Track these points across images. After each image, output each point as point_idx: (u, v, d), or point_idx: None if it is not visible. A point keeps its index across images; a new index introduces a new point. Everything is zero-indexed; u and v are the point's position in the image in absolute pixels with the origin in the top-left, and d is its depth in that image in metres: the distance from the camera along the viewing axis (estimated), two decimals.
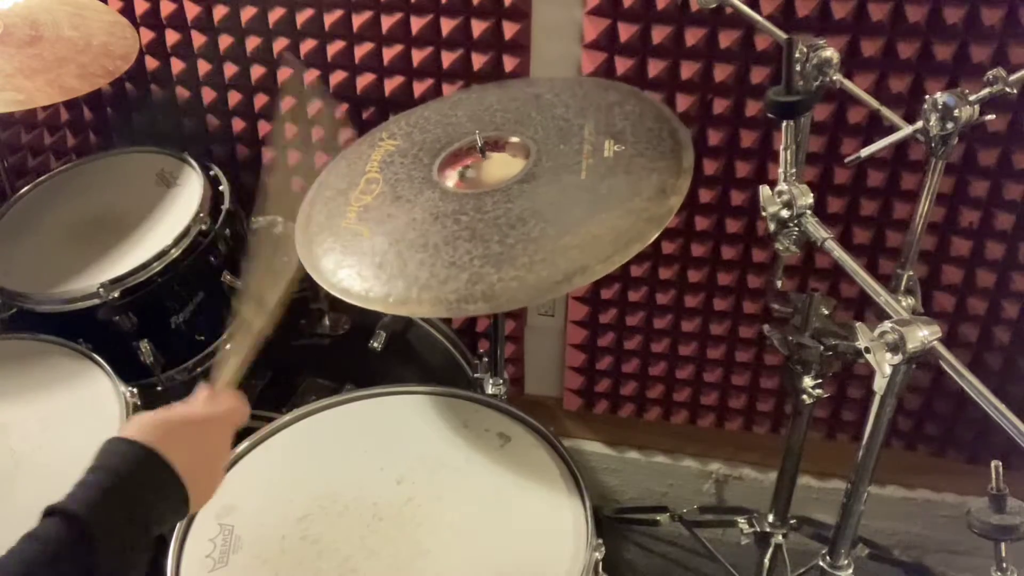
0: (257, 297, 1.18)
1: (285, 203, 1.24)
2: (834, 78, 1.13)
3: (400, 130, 1.40)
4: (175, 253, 1.53)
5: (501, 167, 1.27)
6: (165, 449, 0.89)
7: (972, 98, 1.05)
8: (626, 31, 1.56)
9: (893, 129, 1.14)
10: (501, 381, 1.54)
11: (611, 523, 2.00)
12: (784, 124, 1.05)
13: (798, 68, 1.10)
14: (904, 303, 1.07)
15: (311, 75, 1.74)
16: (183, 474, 0.90)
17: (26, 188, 1.73)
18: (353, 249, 1.20)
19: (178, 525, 1.17)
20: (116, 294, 1.47)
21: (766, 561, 1.62)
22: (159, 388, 1.59)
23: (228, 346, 1.14)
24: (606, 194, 1.15)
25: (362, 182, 1.31)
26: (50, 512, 0.82)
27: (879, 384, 0.91)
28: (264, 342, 1.15)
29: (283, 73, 1.79)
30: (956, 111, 1.05)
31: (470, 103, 1.43)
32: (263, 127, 1.88)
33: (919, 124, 1.09)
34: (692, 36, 1.54)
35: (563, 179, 1.19)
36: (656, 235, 1.09)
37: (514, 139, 1.30)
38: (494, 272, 1.09)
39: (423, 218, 1.20)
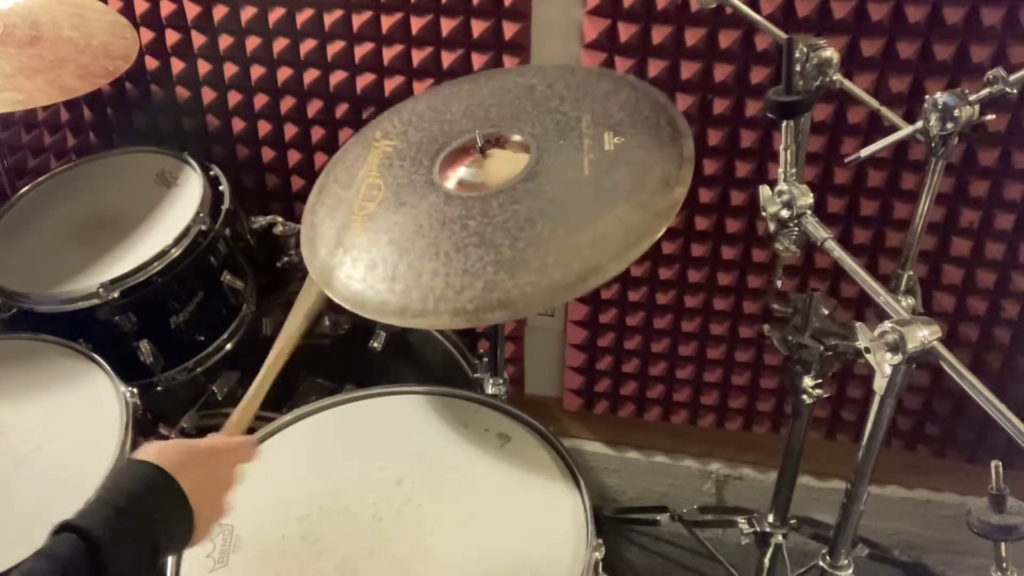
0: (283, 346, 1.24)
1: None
2: (834, 78, 1.13)
3: (395, 128, 1.38)
4: (175, 253, 1.53)
5: (503, 166, 1.26)
6: (178, 474, 0.91)
7: (972, 98, 1.05)
8: (626, 31, 1.56)
9: (893, 129, 1.14)
10: (501, 381, 1.54)
11: (611, 523, 2.00)
12: (784, 124, 1.05)
13: (798, 68, 1.10)
14: (904, 303, 1.07)
15: None
16: (192, 501, 0.91)
17: (26, 188, 1.73)
18: (363, 261, 1.18)
19: None
20: (116, 294, 1.47)
21: (766, 561, 1.62)
22: (159, 388, 1.59)
23: (246, 395, 1.20)
24: (611, 189, 1.14)
25: (363, 188, 1.29)
26: (62, 528, 0.83)
27: (879, 384, 0.91)
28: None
29: None
30: (956, 111, 1.05)
31: (462, 97, 1.40)
32: (263, 127, 1.88)
33: (919, 124, 1.09)
34: (692, 36, 1.54)
35: (566, 176, 1.18)
36: (665, 228, 1.08)
37: (516, 138, 1.29)
38: (509, 278, 1.07)
39: (430, 224, 1.18)
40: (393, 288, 1.13)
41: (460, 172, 1.27)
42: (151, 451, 0.93)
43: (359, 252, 1.20)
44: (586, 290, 1.07)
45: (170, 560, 1.13)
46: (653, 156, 1.16)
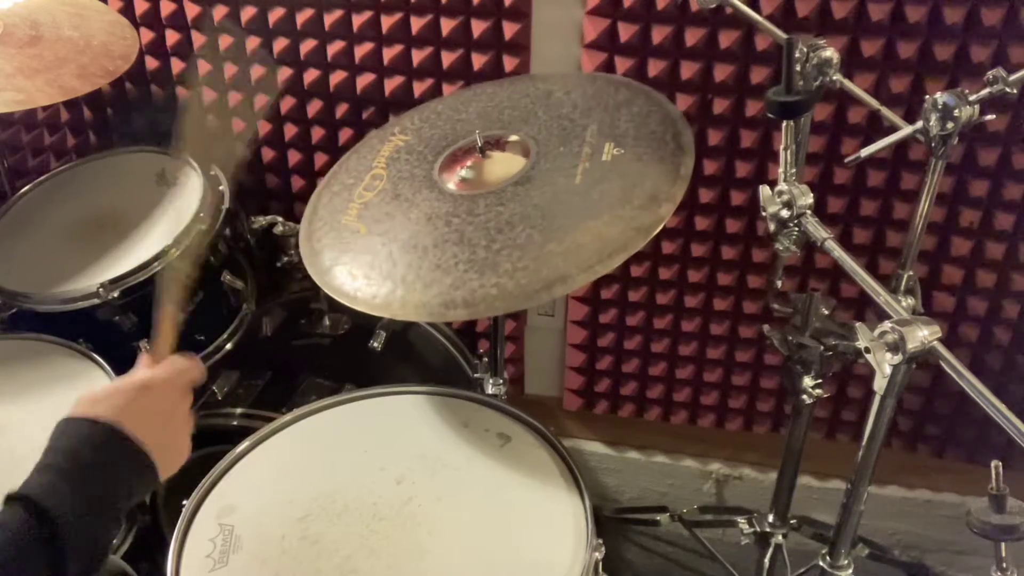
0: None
1: (201, 145, 1.16)
2: (834, 78, 1.13)
3: (412, 125, 1.41)
4: (175, 253, 1.53)
5: (500, 168, 1.26)
6: (122, 420, 0.88)
7: (972, 98, 1.05)
8: (626, 31, 1.56)
9: (893, 129, 1.14)
10: (501, 381, 1.54)
11: (611, 523, 2.00)
12: (784, 124, 1.05)
13: (798, 68, 1.10)
14: (904, 303, 1.08)
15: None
16: (145, 443, 0.88)
17: (26, 188, 1.73)
18: (349, 247, 1.20)
19: (178, 525, 1.17)
20: (116, 294, 1.47)
21: (766, 561, 1.62)
22: None
23: (160, 310, 1.13)
24: (597, 200, 1.14)
25: (368, 178, 1.31)
26: (11, 498, 0.81)
27: (879, 384, 0.91)
28: (189, 291, 1.14)
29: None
30: (956, 111, 1.05)
31: (482, 99, 1.42)
32: (263, 127, 1.88)
33: (919, 124, 1.09)
34: (692, 36, 1.54)
35: (557, 183, 1.19)
36: (642, 246, 1.08)
37: (513, 138, 1.30)
38: (476, 278, 1.08)
39: (417, 218, 1.20)
40: (369, 276, 1.14)
41: (458, 171, 1.28)
42: (85, 404, 0.89)
43: (347, 237, 1.22)
44: (550, 297, 1.07)
45: (170, 560, 1.13)
46: (648, 170, 1.16)
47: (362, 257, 1.18)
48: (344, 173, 1.36)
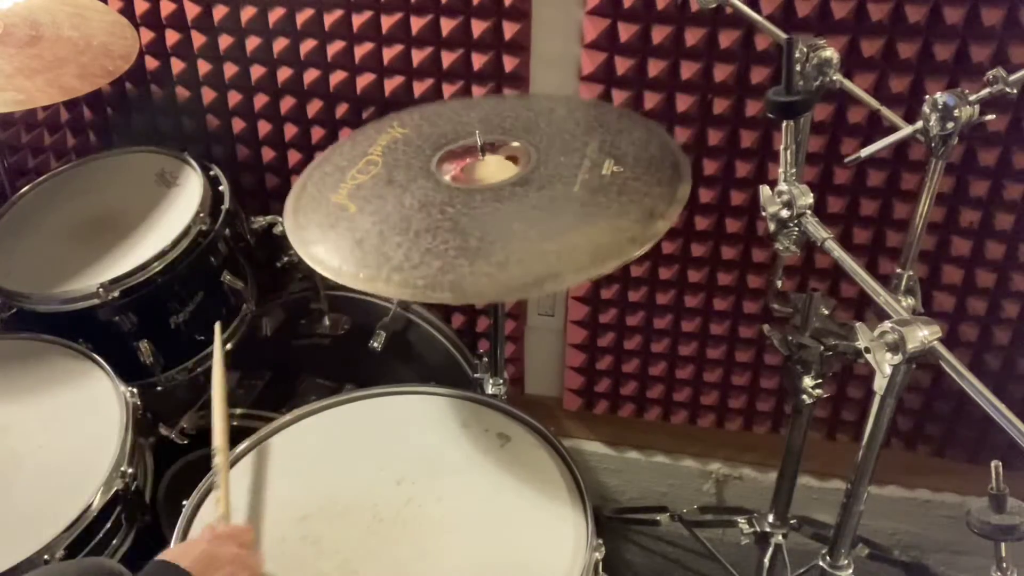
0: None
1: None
2: (834, 78, 1.13)
3: (412, 120, 1.42)
4: (175, 253, 1.53)
5: (499, 169, 1.27)
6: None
7: (972, 98, 1.05)
8: (626, 31, 1.56)
9: (893, 129, 1.14)
10: (501, 381, 1.54)
11: (611, 523, 2.00)
12: (784, 124, 1.05)
13: (798, 68, 1.10)
14: (904, 303, 1.08)
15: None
16: None
17: (26, 188, 1.73)
18: (337, 223, 1.21)
19: (178, 525, 1.17)
20: (116, 294, 1.47)
21: (766, 561, 1.62)
22: (159, 388, 1.59)
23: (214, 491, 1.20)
24: (595, 209, 1.16)
25: (362, 162, 1.32)
26: None
27: (879, 384, 0.91)
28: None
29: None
30: (956, 111, 1.05)
31: (486, 107, 1.45)
32: (263, 127, 1.88)
33: (919, 124, 1.09)
34: (692, 36, 1.54)
35: (556, 188, 1.20)
36: (636, 256, 1.09)
37: (515, 144, 1.30)
38: (467, 264, 1.09)
39: (411, 204, 1.21)
40: (355, 252, 1.15)
41: (456, 166, 1.29)
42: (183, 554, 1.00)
43: (337, 214, 1.22)
44: (541, 292, 1.09)
45: None
46: (646, 190, 1.18)
47: (349, 234, 1.18)
48: (338, 156, 1.37)
